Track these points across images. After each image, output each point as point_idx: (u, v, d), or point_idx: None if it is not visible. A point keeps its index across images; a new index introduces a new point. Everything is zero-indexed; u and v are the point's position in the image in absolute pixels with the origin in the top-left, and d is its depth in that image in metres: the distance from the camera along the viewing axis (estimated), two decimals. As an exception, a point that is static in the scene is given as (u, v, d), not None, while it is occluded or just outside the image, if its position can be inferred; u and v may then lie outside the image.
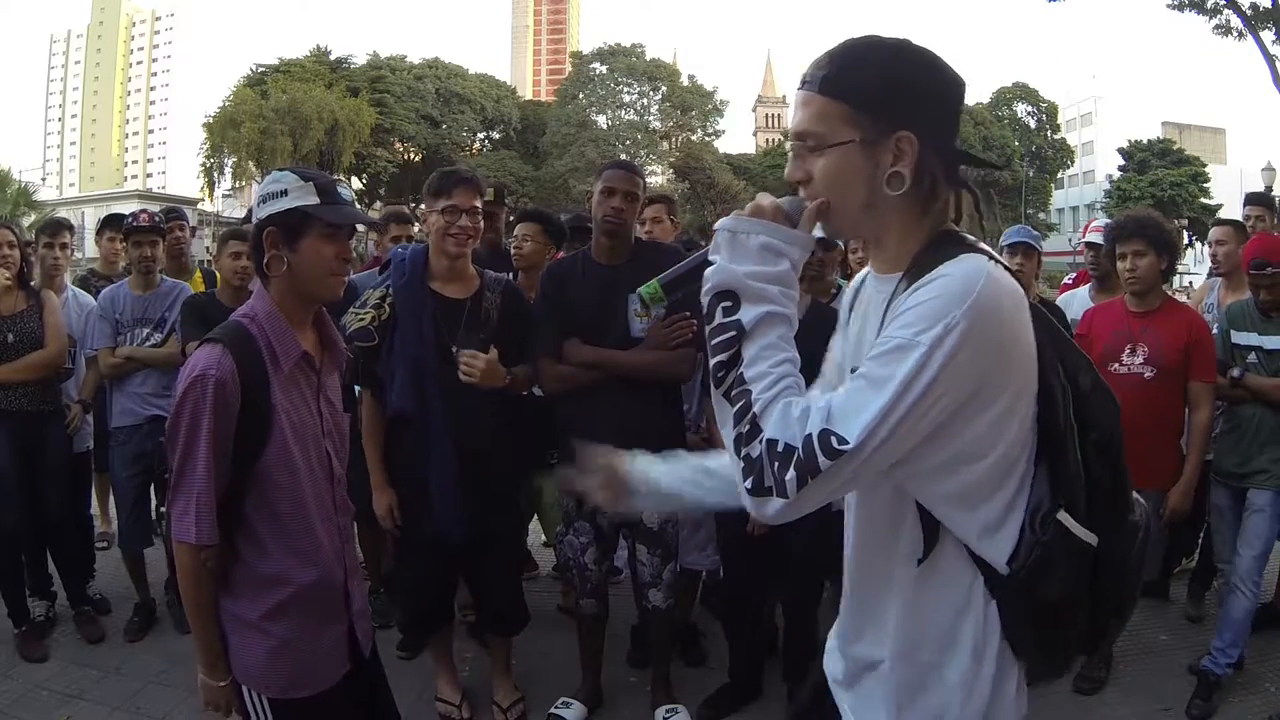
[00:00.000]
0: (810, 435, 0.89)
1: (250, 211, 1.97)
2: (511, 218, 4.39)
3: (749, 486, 0.92)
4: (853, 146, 1.00)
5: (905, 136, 0.99)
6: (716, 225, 1.02)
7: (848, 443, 0.89)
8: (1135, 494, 1.12)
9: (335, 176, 1.71)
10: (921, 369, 0.89)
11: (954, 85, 1.03)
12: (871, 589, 1.12)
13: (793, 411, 0.92)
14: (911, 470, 0.98)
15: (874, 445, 0.89)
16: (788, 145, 1.10)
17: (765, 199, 1.04)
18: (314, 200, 1.59)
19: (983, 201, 1.09)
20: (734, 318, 0.96)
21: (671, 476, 1.31)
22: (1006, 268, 1.00)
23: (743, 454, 0.93)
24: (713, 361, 0.97)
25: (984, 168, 1.20)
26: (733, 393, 0.95)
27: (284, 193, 1.59)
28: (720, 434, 0.98)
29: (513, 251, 3.46)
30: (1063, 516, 0.99)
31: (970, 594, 1.03)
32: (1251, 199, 4.41)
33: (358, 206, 2.47)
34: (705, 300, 0.99)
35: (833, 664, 1.22)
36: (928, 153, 1.00)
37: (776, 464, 0.90)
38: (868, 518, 1.12)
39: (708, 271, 1.00)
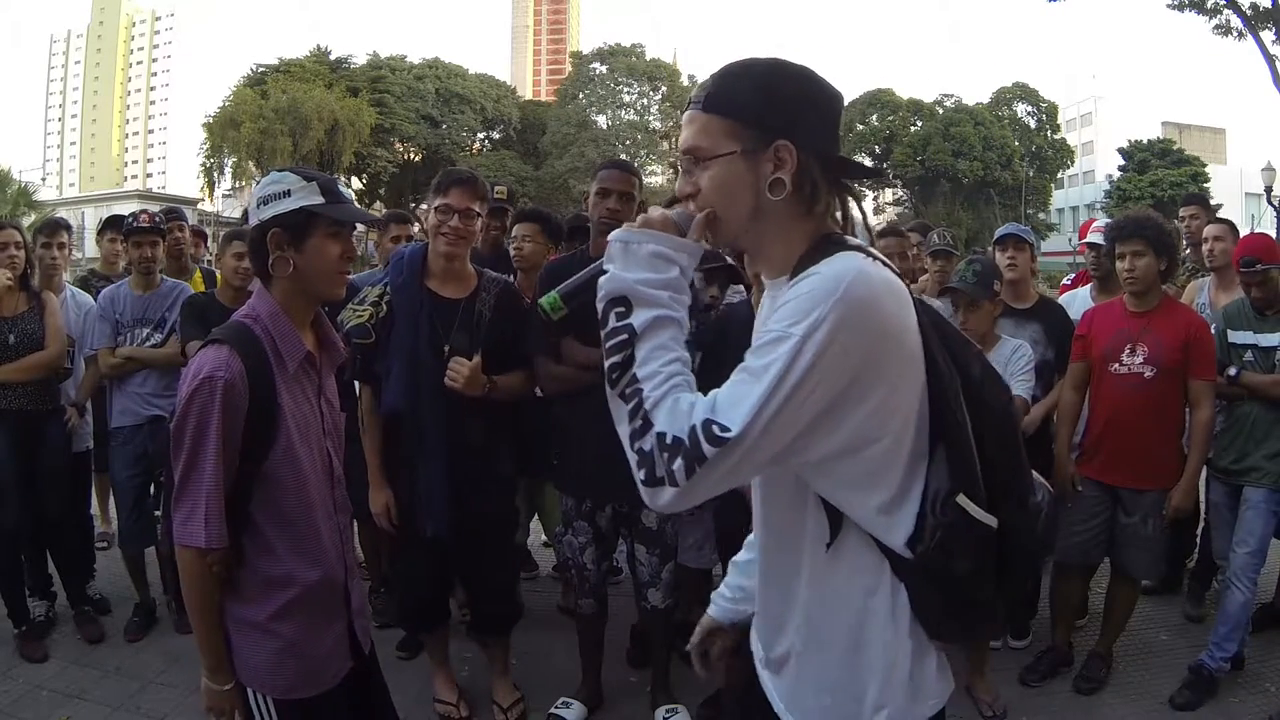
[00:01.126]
0: (695, 426, 0.95)
1: (246, 212, 1.97)
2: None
3: (643, 478, 0.97)
4: (735, 157, 1.06)
5: (784, 145, 1.05)
6: (610, 237, 1.08)
7: (730, 430, 0.94)
8: (1038, 476, 1.18)
9: (333, 175, 1.71)
10: (795, 359, 0.95)
11: (830, 97, 1.10)
12: (784, 577, 1.16)
13: (681, 405, 0.97)
14: (801, 461, 1.03)
15: (755, 433, 0.94)
16: (679, 161, 1.16)
17: (655, 211, 1.10)
18: (318, 200, 1.59)
19: (858, 203, 1.16)
20: (626, 322, 1.01)
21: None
22: (889, 266, 1.07)
23: (636, 448, 0.98)
24: (607, 364, 1.02)
25: (868, 176, 1.28)
26: (626, 391, 1.00)
27: (287, 193, 1.58)
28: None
29: (512, 252, 3.46)
30: (961, 500, 1.03)
31: (879, 577, 1.08)
32: (1188, 199, 4.59)
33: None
34: (600, 307, 1.04)
35: (757, 650, 1.26)
36: (807, 160, 1.06)
37: (666, 455, 0.95)
38: (773, 508, 1.17)
39: (601, 280, 1.06)
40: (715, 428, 0.94)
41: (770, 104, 1.06)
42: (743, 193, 1.07)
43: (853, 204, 1.14)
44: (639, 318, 1.01)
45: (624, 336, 1.01)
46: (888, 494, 1.04)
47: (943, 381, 1.05)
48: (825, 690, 1.12)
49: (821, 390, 0.96)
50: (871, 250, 1.07)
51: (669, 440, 0.95)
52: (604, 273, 1.06)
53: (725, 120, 1.07)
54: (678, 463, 0.94)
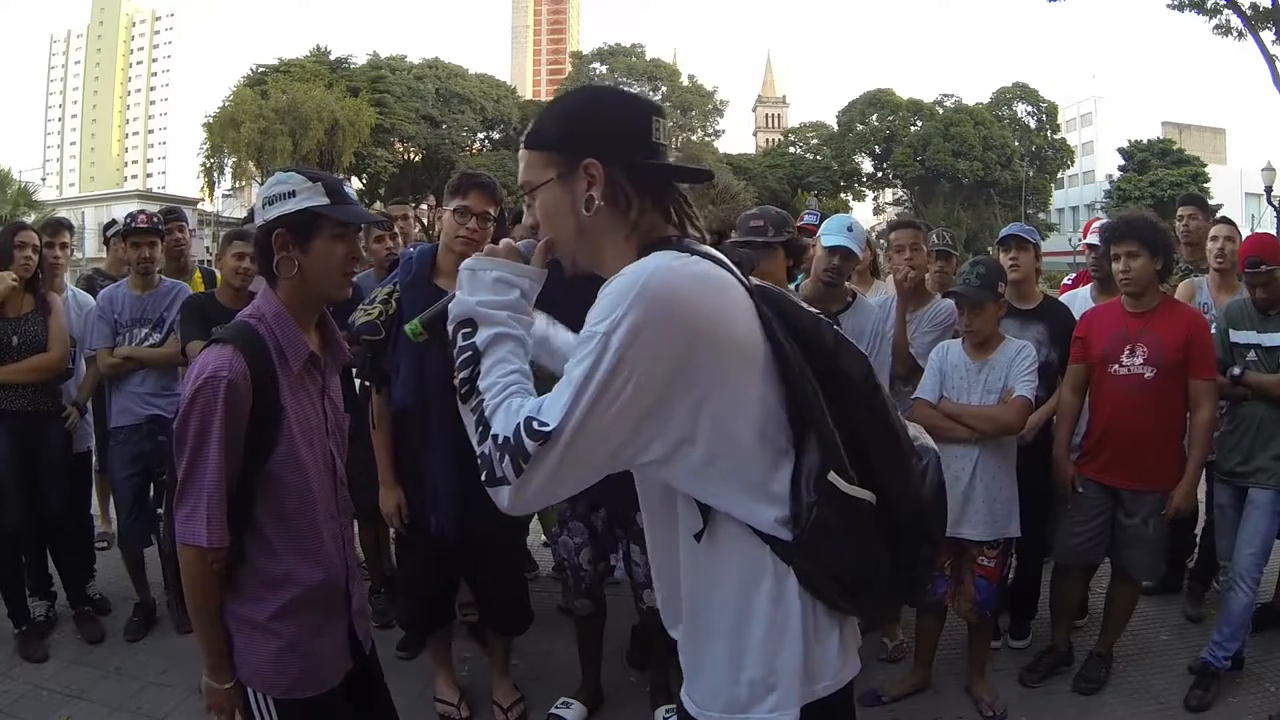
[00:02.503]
0: (519, 424, 1.00)
1: (252, 212, 1.96)
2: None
3: (484, 479, 1.03)
4: (552, 183, 1.14)
5: (591, 163, 1.10)
6: (461, 265, 1.16)
7: (547, 425, 0.99)
8: (923, 440, 1.21)
9: (338, 176, 1.70)
10: (602, 355, 0.99)
11: (633, 111, 1.15)
12: (667, 568, 1.21)
13: (512, 407, 1.04)
14: (647, 460, 1.06)
15: (572, 428, 0.99)
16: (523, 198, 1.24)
17: (504, 243, 1.20)
18: (324, 200, 1.58)
19: (688, 204, 1.19)
20: (470, 340, 1.10)
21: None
22: (721, 261, 1.10)
23: (479, 452, 1.04)
24: (457, 379, 1.09)
25: (690, 180, 1.26)
26: (471, 403, 1.07)
27: (292, 194, 1.58)
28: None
29: None
30: (832, 478, 1.06)
31: (759, 562, 1.09)
32: (1185, 200, 4.53)
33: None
34: (450, 329, 1.13)
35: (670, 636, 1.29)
36: (615, 174, 1.11)
37: (498, 454, 1.01)
38: (647, 500, 1.22)
39: (450, 304, 1.15)
40: (535, 424, 0.99)
41: (572, 128, 1.14)
42: (565, 215, 1.13)
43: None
44: (481, 335, 1.09)
45: (469, 353, 1.09)
46: (749, 480, 1.07)
47: (793, 368, 1.08)
48: (713, 674, 1.15)
49: (634, 386, 0.99)
50: (700, 248, 1.11)
51: (500, 440, 1.01)
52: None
53: (540, 152, 1.15)
54: (506, 460, 1.00)
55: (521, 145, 1.19)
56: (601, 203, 1.11)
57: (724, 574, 1.11)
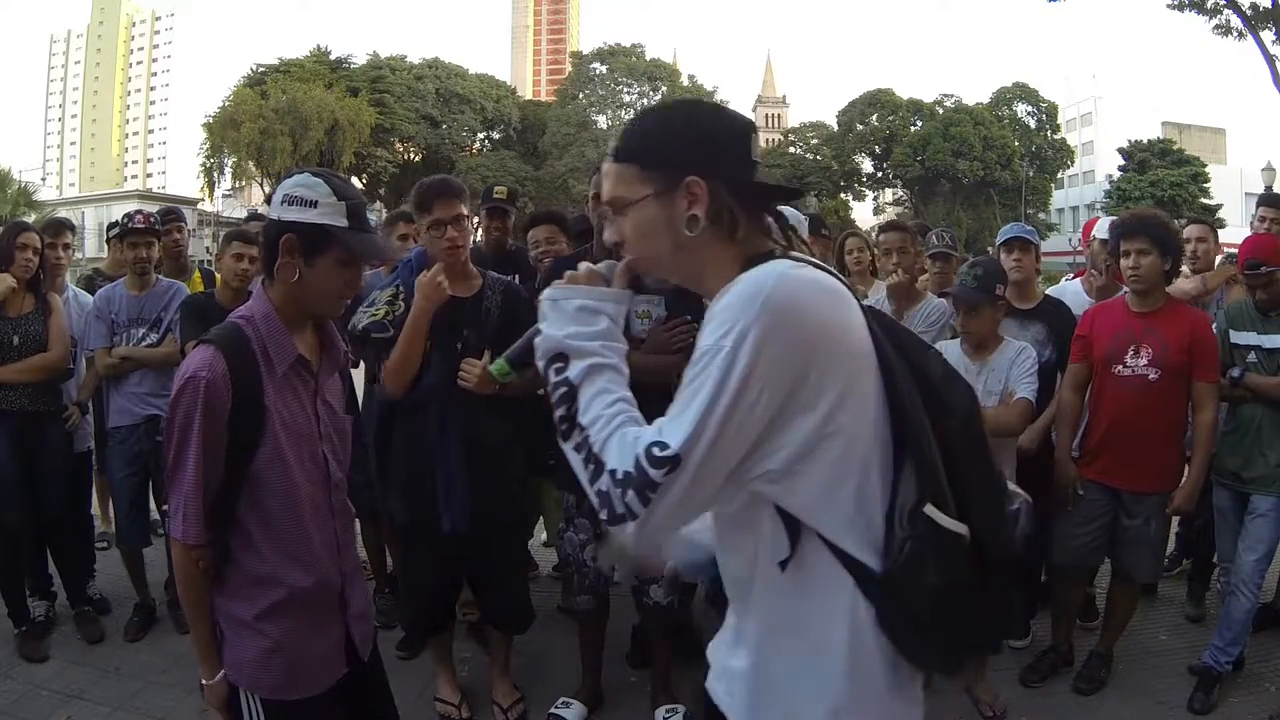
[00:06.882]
0: (639, 455, 0.95)
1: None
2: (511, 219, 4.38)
3: (606, 519, 0.97)
4: (649, 200, 1.09)
5: (694, 181, 1.06)
6: (541, 296, 1.12)
7: (668, 448, 0.94)
8: (1013, 485, 1.16)
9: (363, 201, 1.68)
10: (730, 369, 0.95)
11: (736, 128, 1.12)
12: (737, 594, 1.14)
13: (626, 439, 0.98)
14: (762, 472, 1.01)
15: (701, 450, 0.94)
16: (602, 213, 1.20)
17: (583, 267, 1.15)
18: (343, 223, 1.57)
19: (785, 220, 1.17)
20: (564, 375, 1.05)
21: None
22: (830, 272, 1.08)
23: (595, 491, 0.98)
24: (555, 417, 1.04)
25: (788, 198, 1.24)
26: (577, 441, 1.01)
27: (314, 204, 1.56)
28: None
29: (537, 257, 3.43)
30: (930, 510, 1.00)
31: (840, 598, 1.03)
32: (1265, 200, 4.20)
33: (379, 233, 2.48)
34: (540, 366, 1.08)
35: (712, 671, 1.22)
36: (720, 192, 1.07)
37: (620, 489, 0.95)
38: (726, 522, 1.13)
39: (535, 340, 1.10)
40: (656, 449, 0.94)
41: (674, 144, 1.09)
42: (661, 233, 1.09)
43: (797, 222, 1.18)
44: (574, 369, 1.04)
45: (565, 389, 1.04)
46: (854, 501, 1.02)
47: (899, 387, 1.04)
48: (790, 704, 1.07)
49: (766, 398, 0.96)
50: (805, 258, 1.09)
51: (620, 475, 0.96)
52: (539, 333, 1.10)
53: (635, 167, 1.10)
54: (630, 495, 0.95)
55: (610, 159, 1.14)
56: (705, 221, 1.07)
57: (806, 609, 1.05)
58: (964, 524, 1.02)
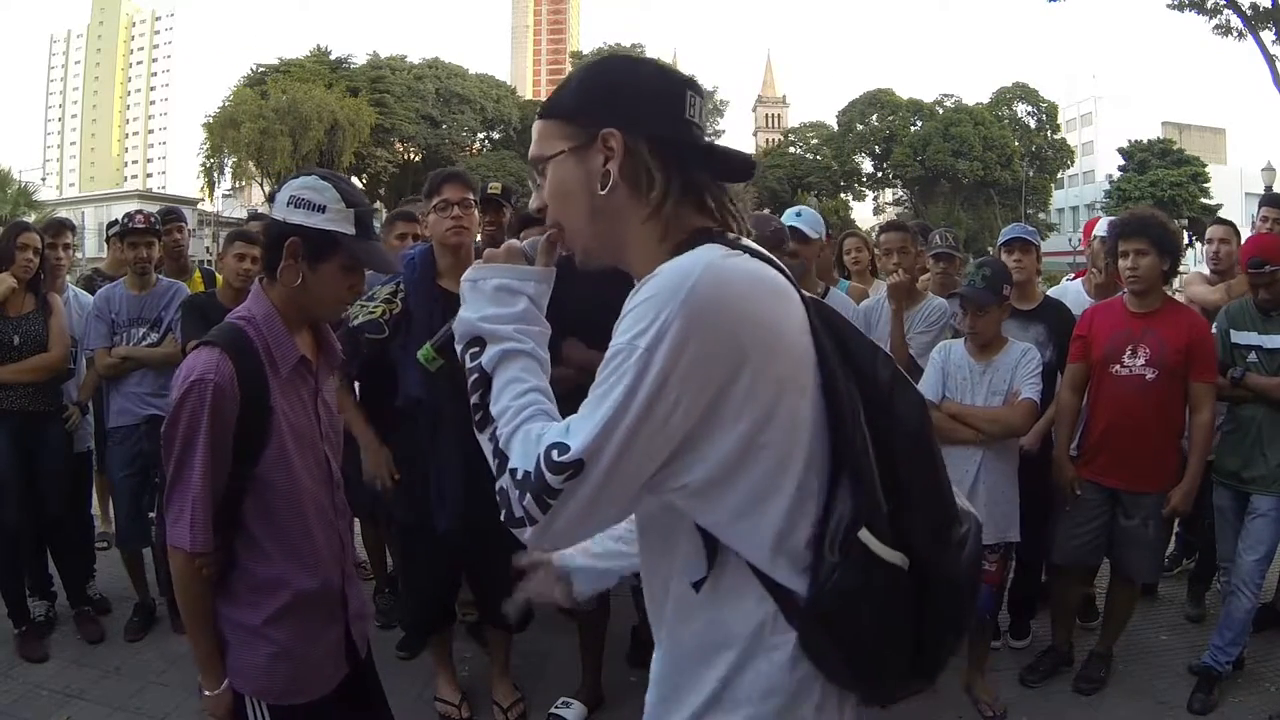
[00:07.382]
0: (539, 455, 0.87)
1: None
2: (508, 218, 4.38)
3: (504, 519, 0.90)
4: (564, 156, 0.99)
5: (610, 134, 0.96)
6: (462, 278, 1.03)
7: (569, 451, 0.85)
8: (964, 503, 1.04)
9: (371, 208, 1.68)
10: (644, 372, 0.85)
11: (666, 80, 1.01)
12: (653, 611, 1.05)
13: (531, 436, 0.90)
14: (679, 485, 0.92)
15: (606, 460, 0.85)
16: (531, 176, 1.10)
17: (505, 245, 1.05)
18: (350, 230, 1.57)
19: (731, 196, 1.02)
20: (478, 361, 0.97)
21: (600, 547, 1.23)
22: (771, 262, 0.96)
23: (497, 488, 0.91)
24: (470, 405, 0.96)
25: (731, 169, 1.03)
26: (487, 431, 0.94)
27: (322, 209, 1.56)
28: None
29: None
30: (864, 535, 0.90)
31: (758, 621, 0.93)
32: (1268, 200, 4.18)
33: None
34: (458, 350, 1.00)
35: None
36: (636, 146, 0.96)
37: (519, 492, 0.88)
38: (643, 533, 1.05)
39: (453, 324, 1.02)
40: (556, 452, 0.85)
41: (592, 95, 0.99)
42: (577, 194, 0.99)
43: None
44: (488, 355, 0.96)
45: (477, 375, 0.96)
46: (782, 521, 0.91)
47: (839, 395, 0.93)
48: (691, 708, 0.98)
49: (686, 405, 0.86)
50: (747, 244, 0.97)
51: (519, 476, 0.88)
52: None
53: (554, 122, 1.01)
54: (527, 499, 0.87)
55: (537, 118, 1.04)
56: (619, 180, 0.96)
57: (710, 634, 0.96)
58: (903, 551, 0.92)
